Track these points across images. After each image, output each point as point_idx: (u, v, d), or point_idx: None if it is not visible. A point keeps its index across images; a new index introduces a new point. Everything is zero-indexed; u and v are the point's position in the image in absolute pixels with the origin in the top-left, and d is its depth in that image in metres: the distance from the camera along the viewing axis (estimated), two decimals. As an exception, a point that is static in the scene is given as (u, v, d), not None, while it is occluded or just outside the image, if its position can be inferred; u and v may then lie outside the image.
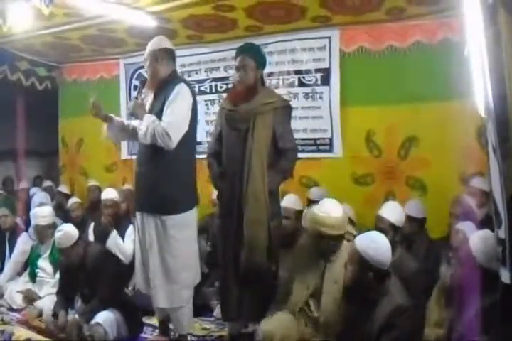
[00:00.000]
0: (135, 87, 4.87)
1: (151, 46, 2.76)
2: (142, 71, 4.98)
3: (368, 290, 2.09)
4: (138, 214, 2.80)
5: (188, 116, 2.67)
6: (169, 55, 2.77)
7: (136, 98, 2.74)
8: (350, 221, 3.17)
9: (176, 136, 2.57)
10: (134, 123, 2.86)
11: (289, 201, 3.40)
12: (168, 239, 2.67)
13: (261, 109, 2.82)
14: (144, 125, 2.58)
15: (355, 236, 2.53)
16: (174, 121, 2.58)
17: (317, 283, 2.43)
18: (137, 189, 2.82)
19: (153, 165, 2.68)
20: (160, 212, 2.67)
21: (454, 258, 2.43)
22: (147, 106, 2.75)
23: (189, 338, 2.95)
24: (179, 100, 2.63)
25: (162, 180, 2.65)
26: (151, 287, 2.73)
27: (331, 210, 2.41)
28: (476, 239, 2.15)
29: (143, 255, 2.78)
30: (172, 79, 2.74)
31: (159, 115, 2.62)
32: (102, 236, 3.74)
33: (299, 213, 3.35)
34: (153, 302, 2.80)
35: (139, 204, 2.80)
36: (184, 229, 2.72)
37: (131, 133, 2.89)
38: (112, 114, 2.89)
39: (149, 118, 2.59)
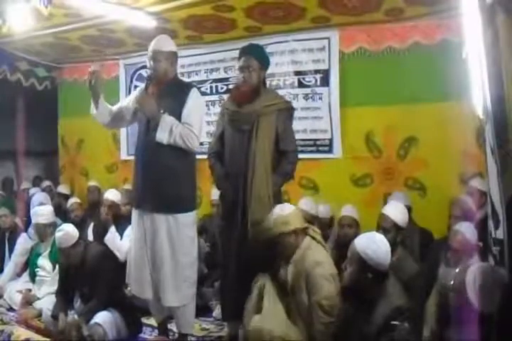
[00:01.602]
0: (136, 87, 4.86)
1: (160, 46, 2.71)
2: (142, 72, 4.98)
3: (367, 291, 2.08)
4: (144, 215, 2.75)
5: (203, 118, 2.84)
6: (175, 57, 2.80)
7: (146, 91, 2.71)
8: (356, 222, 3.15)
9: (200, 138, 2.72)
10: (118, 107, 2.91)
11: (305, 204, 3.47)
12: (181, 236, 2.71)
13: (264, 110, 2.82)
14: (167, 125, 2.60)
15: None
16: (198, 123, 2.71)
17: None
18: (143, 188, 2.77)
19: (164, 164, 2.68)
20: (174, 210, 2.70)
21: (453, 259, 2.43)
22: None
23: (188, 338, 2.95)
24: (199, 104, 2.79)
25: (176, 179, 2.70)
26: (160, 287, 2.72)
27: (280, 210, 2.54)
28: (473, 282, 1.82)
29: (142, 258, 2.76)
30: (179, 82, 2.84)
31: (174, 116, 2.65)
32: (101, 236, 3.75)
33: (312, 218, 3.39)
34: (155, 303, 2.82)
35: (148, 204, 2.72)
36: (191, 227, 2.80)
37: (121, 120, 2.95)
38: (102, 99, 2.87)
39: (172, 120, 2.63)
